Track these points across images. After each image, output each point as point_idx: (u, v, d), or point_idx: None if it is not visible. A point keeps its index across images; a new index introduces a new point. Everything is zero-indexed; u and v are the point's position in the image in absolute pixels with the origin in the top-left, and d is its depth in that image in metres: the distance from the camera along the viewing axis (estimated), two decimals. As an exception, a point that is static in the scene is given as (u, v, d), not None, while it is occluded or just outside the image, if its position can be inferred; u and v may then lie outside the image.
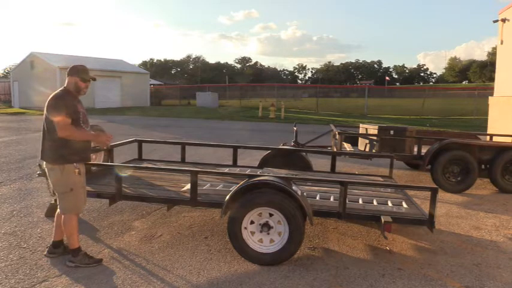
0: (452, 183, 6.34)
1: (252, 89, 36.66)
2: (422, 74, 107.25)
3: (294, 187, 3.56)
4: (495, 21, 10.43)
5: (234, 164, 5.75)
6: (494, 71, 11.23)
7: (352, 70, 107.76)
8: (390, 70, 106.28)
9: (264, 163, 5.67)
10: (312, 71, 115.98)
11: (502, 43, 10.23)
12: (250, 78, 79.93)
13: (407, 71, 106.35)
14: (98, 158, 5.46)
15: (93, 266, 3.41)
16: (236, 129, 15.94)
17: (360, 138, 7.32)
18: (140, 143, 5.98)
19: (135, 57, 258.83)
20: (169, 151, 8.50)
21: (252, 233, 3.53)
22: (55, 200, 4.58)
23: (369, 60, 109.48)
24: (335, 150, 6.79)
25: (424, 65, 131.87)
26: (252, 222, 3.53)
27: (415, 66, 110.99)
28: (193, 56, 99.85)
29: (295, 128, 7.62)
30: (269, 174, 3.99)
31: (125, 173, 4.22)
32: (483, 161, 6.44)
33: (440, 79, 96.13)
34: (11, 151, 9.42)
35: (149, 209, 4.98)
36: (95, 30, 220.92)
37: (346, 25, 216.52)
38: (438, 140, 6.56)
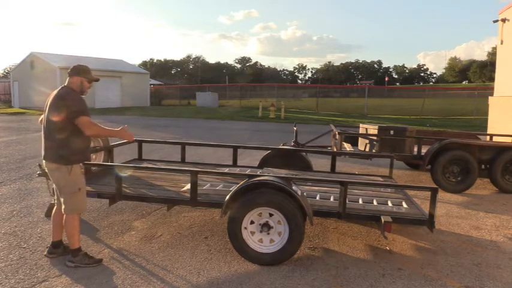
0: (452, 183, 6.34)
1: (252, 89, 36.67)
2: (422, 74, 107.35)
3: (294, 187, 3.56)
4: (495, 21, 10.43)
5: (234, 164, 5.74)
6: (494, 71, 11.23)
7: (352, 70, 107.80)
8: (390, 70, 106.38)
9: (264, 163, 5.67)
10: (312, 71, 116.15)
11: (502, 43, 10.23)
12: (250, 78, 79.91)
13: (407, 71, 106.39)
14: (98, 158, 5.46)
15: (93, 266, 3.41)
16: (236, 129, 15.93)
17: (360, 138, 7.32)
18: (140, 143, 5.97)
19: (135, 57, 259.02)
20: (169, 151, 8.50)
21: (252, 233, 3.53)
22: (55, 200, 4.60)
23: (369, 60, 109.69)
24: (335, 150, 6.79)
25: (424, 65, 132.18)
26: (252, 222, 3.53)
27: (415, 66, 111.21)
28: (193, 56, 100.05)
29: (295, 128, 7.62)
30: (269, 174, 3.99)
31: (125, 173, 4.22)
32: (483, 161, 6.44)
33: (440, 79, 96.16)
34: (11, 151, 9.42)
35: (149, 209, 4.98)
36: (95, 30, 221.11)
37: (346, 25, 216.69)
38: (438, 140, 6.56)
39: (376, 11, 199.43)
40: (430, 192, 3.49)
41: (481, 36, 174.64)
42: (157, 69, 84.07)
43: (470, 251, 3.98)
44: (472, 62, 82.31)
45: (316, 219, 4.37)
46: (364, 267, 3.53)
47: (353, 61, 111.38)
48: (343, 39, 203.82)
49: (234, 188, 3.63)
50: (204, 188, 4.21)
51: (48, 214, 4.61)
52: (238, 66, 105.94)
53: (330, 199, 4.07)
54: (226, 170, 5.31)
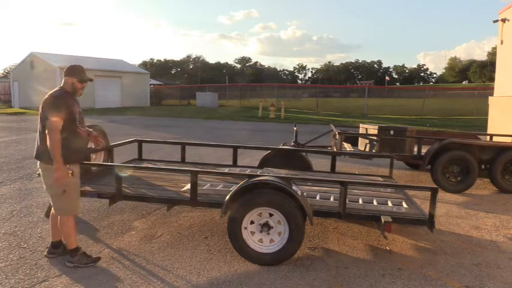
0: (452, 183, 6.34)
1: (252, 89, 36.64)
2: (422, 74, 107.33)
3: (294, 187, 3.56)
4: (495, 21, 10.43)
5: (234, 164, 5.74)
6: (494, 71, 11.23)
7: (352, 70, 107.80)
8: (390, 70, 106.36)
9: (264, 163, 5.67)
10: (312, 71, 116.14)
11: (502, 43, 10.24)
12: (250, 78, 79.93)
13: (407, 71, 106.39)
14: (98, 158, 5.46)
15: (91, 265, 3.40)
16: (236, 129, 15.93)
17: (360, 138, 7.32)
18: (140, 143, 5.97)
19: (135, 57, 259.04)
20: (169, 151, 8.50)
21: (252, 233, 3.53)
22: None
23: (369, 60, 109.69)
24: (335, 150, 6.79)
25: (424, 65, 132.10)
26: (252, 222, 3.53)
27: (415, 66, 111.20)
28: (193, 56, 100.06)
29: (295, 128, 7.62)
30: (269, 174, 3.99)
31: (125, 173, 4.22)
32: (483, 161, 6.44)
33: (440, 79, 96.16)
34: (11, 151, 9.42)
35: (149, 209, 4.98)
36: (95, 30, 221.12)
37: (346, 25, 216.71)
38: (438, 140, 6.56)
39: (376, 11, 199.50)
40: (430, 192, 3.49)
41: (481, 36, 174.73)
42: (157, 69, 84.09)
43: (470, 251, 3.98)
44: (472, 62, 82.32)
45: (316, 219, 4.37)
46: (364, 267, 3.53)
47: (353, 61, 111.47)
48: (343, 39, 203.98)
49: (234, 188, 3.63)
50: (204, 188, 4.21)
51: (48, 214, 4.61)
52: (238, 66, 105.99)
53: (330, 199, 4.07)
54: (226, 170, 5.31)
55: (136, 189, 4.28)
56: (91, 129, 3.77)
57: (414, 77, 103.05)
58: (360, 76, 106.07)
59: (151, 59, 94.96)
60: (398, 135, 6.70)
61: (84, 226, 4.39)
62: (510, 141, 7.55)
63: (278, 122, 19.76)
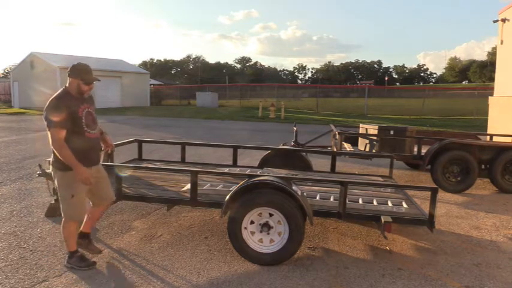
0: (452, 183, 6.34)
1: (252, 89, 36.64)
2: (422, 74, 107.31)
3: (294, 187, 3.56)
4: (495, 21, 10.43)
5: (234, 164, 5.74)
6: (494, 71, 11.23)
7: (352, 70, 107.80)
8: (390, 70, 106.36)
9: (264, 163, 5.67)
10: (312, 71, 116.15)
11: (502, 43, 10.24)
12: (250, 78, 79.93)
13: (407, 71, 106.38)
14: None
15: (85, 269, 3.33)
16: (236, 129, 15.93)
17: (360, 138, 7.33)
18: (140, 143, 5.97)
19: (135, 57, 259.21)
20: (169, 151, 8.50)
21: (252, 233, 3.53)
22: (55, 200, 4.60)
23: (369, 60, 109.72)
24: (335, 150, 6.79)
25: (424, 65, 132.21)
26: (252, 222, 3.53)
27: (415, 66, 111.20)
28: (193, 56, 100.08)
29: (295, 128, 7.62)
30: (269, 174, 3.99)
31: (125, 173, 4.21)
32: (483, 161, 6.44)
33: (440, 79, 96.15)
34: (11, 151, 9.42)
35: (149, 209, 4.98)
36: (95, 30, 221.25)
37: (346, 25, 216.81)
38: (438, 140, 6.56)
39: (376, 11, 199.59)
40: (430, 192, 3.49)
41: (481, 36, 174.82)
42: (157, 69, 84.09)
43: (470, 251, 3.98)
44: (472, 62, 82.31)
45: (316, 219, 4.37)
46: (364, 267, 3.53)
47: (353, 61, 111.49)
48: (343, 39, 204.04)
49: (234, 188, 3.63)
50: (204, 188, 4.21)
51: (48, 214, 4.62)
52: (238, 66, 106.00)
53: (330, 199, 4.07)
54: (226, 170, 5.31)
55: (136, 189, 4.28)
56: (104, 132, 3.61)
57: (414, 77, 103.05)
58: (360, 76, 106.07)
59: (151, 59, 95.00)
60: (398, 135, 6.70)
61: (84, 226, 4.39)
62: (510, 141, 7.55)
63: (278, 122, 19.76)
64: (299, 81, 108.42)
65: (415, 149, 6.72)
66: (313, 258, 3.69)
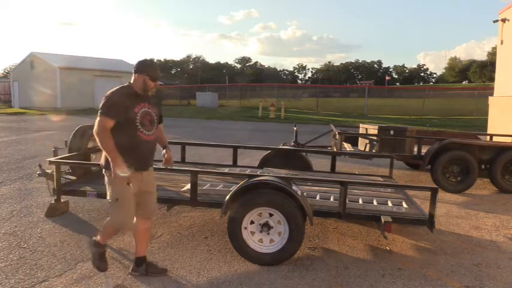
0: (452, 183, 6.34)
1: (252, 89, 36.66)
2: (422, 74, 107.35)
3: (294, 187, 3.56)
4: (495, 21, 10.44)
5: (234, 164, 5.74)
6: (494, 71, 11.23)
7: (352, 70, 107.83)
8: (390, 70, 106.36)
9: (264, 163, 5.67)
10: (312, 71, 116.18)
11: (502, 43, 10.24)
12: (250, 78, 79.92)
13: (407, 71, 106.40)
14: (98, 158, 5.46)
15: (97, 267, 3.22)
16: (236, 129, 15.93)
17: (360, 138, 7.33)
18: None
19: (135, 57, 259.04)
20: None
21: (252, 233, 3.53)
22: (55, 200, 4.61)
23: (369, 60, 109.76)
24: (335, 150, 6.80)
25: (424, 65, 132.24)
26: (252, 222, 3.52)
27: (415, 66, 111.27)
28: (193, 56, 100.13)
29: (295, 128, 7.62)
30: (269, 174, 4.00)
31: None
32: (483, 161, 6.44)
33: (440, 79, 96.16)
34: (11, 151, 9.42)
35: (149, 209, 4.97)
36: (95, 30, 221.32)
37: (346, 25, 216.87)
38: (438, 140, 6.56)
39: (376, 11, 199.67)
40: (430, 192, 3.49)
41: (481, 36, 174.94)
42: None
43: (470, 251, 3.98)
44: (472, 62, 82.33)
45: (316, 219, 4.37)
46: (364, 267, 3.52)
47: (353, 61, 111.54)
48: (343, 39, 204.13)
49: (234, 188, 3.63)
50: (204, 188, 4.21)
51: (48, 214, 4.62)
52: (238, 66, 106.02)
53: (330, 199, 4.07)
54: (226, 170, 5.31)
55: (136, 189, 4.27)
56: (167, 147, 3.42)
57: (414, 77, 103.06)
58: (360, 76, 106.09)
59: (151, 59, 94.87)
60: (398, 135, 6.70)
61: (84, 226, 4.39)
62: (510, 141, 7.55)
63: (278, 122, 19.76)
64: (299, 81, 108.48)
65: (415, 149, 6.73)
66: (313, 258, 3.69)
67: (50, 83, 26.61)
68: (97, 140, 2.90)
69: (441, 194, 5.79)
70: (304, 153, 5.88)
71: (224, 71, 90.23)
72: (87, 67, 28.70)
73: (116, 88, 3.03)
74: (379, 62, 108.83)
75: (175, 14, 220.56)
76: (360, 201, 4.00)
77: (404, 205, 3.97)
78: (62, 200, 4.72)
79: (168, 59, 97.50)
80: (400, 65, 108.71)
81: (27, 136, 12.70)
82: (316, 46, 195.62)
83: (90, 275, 3.27)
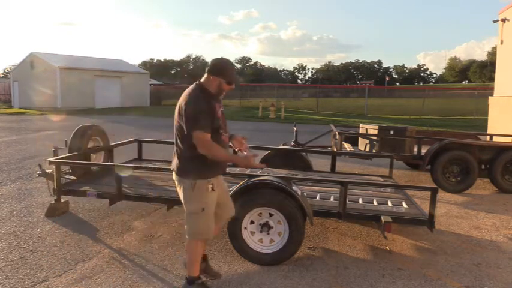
0: (452, 183, 6.34)
1: (252, 89, 36.64)
2: (422, 74, 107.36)
3: (294, 187, 3.56)
4: (495, 21, 10.44)
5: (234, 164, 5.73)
6: (494, 71, 11.24)
7: (352, 70, 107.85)
8: (390, 70, 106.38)
9: (264, 163, 5.66)
10: (312, 71, 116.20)
11: (502, 43, 10.24)
12: (250, 78, 79.94)
13: (407, 71, 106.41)
14: (98, 158, 5.46)
15: None
16: (236, 129, 15.92)
17: (360, 138, 7.33)
18: (140, 143, 5.98)
19: (135, 57, 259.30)
20: (170, 151, 8.49)
21: (252, 233, 3.53)
22: (55, 200, 4.61)
23: (369, 60, 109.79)
24: (335, 150, 6.79)
25: (424, 65, 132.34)
26: (252, 222, 3.52)
27: (415, 66, 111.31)
28: (193, 56, 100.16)
29: (295, 128, 7.62)
30: (269, 174, 3.99)
31: (125, 173, 4.22)
32: (483, 161, 6.44)
33: (440, 79, 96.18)
34: (11, 151, 9.42)
35: (149, 209, 4.97)
36: (95, 30, 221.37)
37: (346, 25, 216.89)
38: (438, 140, 6.56)
39: (376, 11, 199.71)
40: (430, 192, 3.49)
41: (481, 36, 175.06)
42: (157, 69, 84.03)
43: (470, 251, 3.98)
44: (472, 62, 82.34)
45: (316, 219, 4.37)
46: (364, 267, 3.52)
47: (353, 61, 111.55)
48: (343, 39, 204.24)
49: (234, 188, 3.63)
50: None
51: (48, 214, 4.62)
52: (238, 66, 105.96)
53: (330, 199, 4.07)
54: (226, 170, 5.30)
55: (136, 189, 4.28)
56: (232, 133, 3.15)
57: (414, 77, 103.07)
58: (360, 76, 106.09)
59: (151, 59, 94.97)
60: (398, 135, 6.70)
61: (84, 226, 4.39)
62: (510, 141, 7.55)
63: (278, 122, 19.76)
64: (299, 81, 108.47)
65: (415, 149, 6.72)
66: (313, 258, 3.69)
67: (50, 83, 26.60)
68: (210, 157, 2.69)
69: (441, 194, 5.80)
70: (304, 153, 5.88)
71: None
72: (87, 67, 28.72)
73: (193, 95, 2.71)
74: (379, 62, 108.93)
75: (175, 14, 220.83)
76: (360, 201, 4.00)
77: (404, 205, 3.97)
78: (62, 200, 4.72)
79: (168, 59, 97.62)
80: (400, 65, 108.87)
81: (27, 136, 12.70)
82: (316, 46, 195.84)
83: (90, 275, 3.28)
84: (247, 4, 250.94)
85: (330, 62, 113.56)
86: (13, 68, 38.70)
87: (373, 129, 7.06)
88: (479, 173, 6.34)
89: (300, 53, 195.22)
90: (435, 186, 4.75)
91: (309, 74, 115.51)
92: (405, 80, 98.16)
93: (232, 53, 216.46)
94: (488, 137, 8.20)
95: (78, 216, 4.73)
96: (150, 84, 36.45)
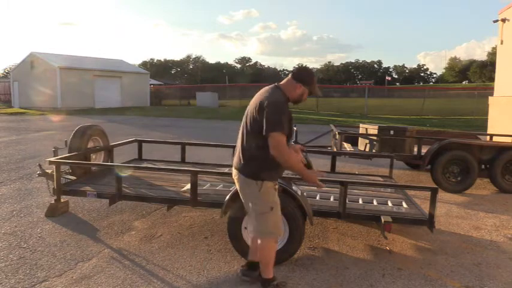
0: (452, 183, 6.34)
1: (252, 89, 36.61)
2: (422, 74, 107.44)
3: (294, 187, 3.56)
4: (495, 21, 10.43)
5: (234, 164, 5.74)
6: (494, 71, 11.23)
7: (352, 70, 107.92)
8: (390, 70, 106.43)
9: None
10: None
11: (502, 43, 10.23)
12: (250, 78, 79.95)
13: (407, 71, 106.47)
14: (98, 158, 5.46)
15: None
16: (236, 129, 15.88)
17: (360, 138, 7.33)
18: (140, 143, 5.98)
19: (135, 57, 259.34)
20: (170, 151, 8.49)
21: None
22: (55, 200, 4.61)
23: (369, 60, 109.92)
24: (335, 150, 6.79)
25: (424, 65, 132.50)
26: (252, 222, 3.52)
27: (415, 66, 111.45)
28: (193, 56, 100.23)
29: (295, 128, 7.61)
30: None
31: (125, 173, 4.22)
32: (483, 161, 6.44)
33: (440, 79, 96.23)
34: (11, 151, 9.42)
35: (149, 209, 4.97)
36: (95, 30, 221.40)
37: (346, 25, 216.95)
38: (438, 140, 6.56)
39: (376, 11, 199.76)
40: (430, 192, 3.49)
41: (481, 36, 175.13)
42: (157, 69, 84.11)
43: (470, 251, 3.98)
44: (472, 62, 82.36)
45: (316, 219, 4.37)
46: (364, 267, 3.52)
47: (353, 61, 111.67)
48: (343, 39, 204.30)
49: (234, 188, 3.63)
50: (204, 188, 4.21)
51: (48, 214, 4.62)
52: (238, 66, 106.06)
53: (330, 199, 4.07)
54: (226, 170, 5.30)
55: (136, 189, 4.28)
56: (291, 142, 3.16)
57: (414, 77, 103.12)
58: (360, 76, 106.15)
59: (151, 59, 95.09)
60: (398, 135, 6.70)
61: (84, 226, 4.39)
62: (510, 141, 7.55)
63: (278, 122, 19.71)
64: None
65: (415, 149, 6.72)
66: (313, 258, 3.69)
67: (50, 83, 26.59)
68: (281, 161, 2.69)
69: (441, 194, 5.79)
70: (304, 153, 5.87)
71: (224, 71, 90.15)
72: (87, 67, 28.72)
73: (277, 96, 2.74)
74: (379, 62, 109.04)
75: (174, 14, 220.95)
76: (360, 201, 4.00)
77: (404, 205, 3.97)
78: (62, 200, 4.72)
79: (168, 59, 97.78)
80: (400, 65, 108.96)
81: (27, 136, 12.69)
82: (316, 46, 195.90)
83: (90, 274, 3.28)
84: (247, 4, 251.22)
85: (330, 62, 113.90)
86: (13, 68, 38.70)
87: (373, 129, 7.07)
88: (479, 173, 6.34)
89: (300, 53, 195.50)
90: (435, 186, 4.75)
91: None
92: (405, 80, 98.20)
93: (232, 53, 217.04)
94: (488, 137, 8.20)
95: (78, 216, 4.73)
96: (150, 84, 36.44)
